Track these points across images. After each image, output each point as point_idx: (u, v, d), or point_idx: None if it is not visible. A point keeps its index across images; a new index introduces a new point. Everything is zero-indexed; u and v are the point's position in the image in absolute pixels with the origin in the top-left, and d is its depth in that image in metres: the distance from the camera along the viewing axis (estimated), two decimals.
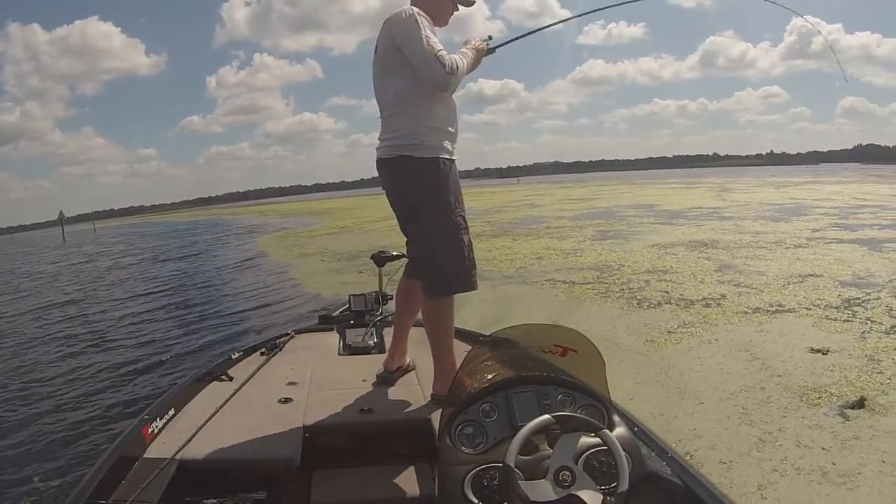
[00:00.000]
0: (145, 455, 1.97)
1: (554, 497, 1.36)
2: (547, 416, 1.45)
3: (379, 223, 20.29)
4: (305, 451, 2.07)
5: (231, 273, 12.47)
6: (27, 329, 8.62)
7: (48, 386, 5.28)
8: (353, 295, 3.58)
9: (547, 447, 1.46)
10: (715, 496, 1.59)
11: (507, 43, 2.77)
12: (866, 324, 5.23)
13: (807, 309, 5.85)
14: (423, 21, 2.35)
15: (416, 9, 2.40)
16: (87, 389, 5.08)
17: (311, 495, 2.03)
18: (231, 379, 2.69)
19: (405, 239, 2.72)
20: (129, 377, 5.38)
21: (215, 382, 2.67)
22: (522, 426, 1.44)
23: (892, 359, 4.32)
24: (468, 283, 2.47)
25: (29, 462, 3.69)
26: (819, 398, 3.76)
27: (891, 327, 5.09)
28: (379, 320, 3.43)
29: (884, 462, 2.99)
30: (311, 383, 2.65)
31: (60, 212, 45.47)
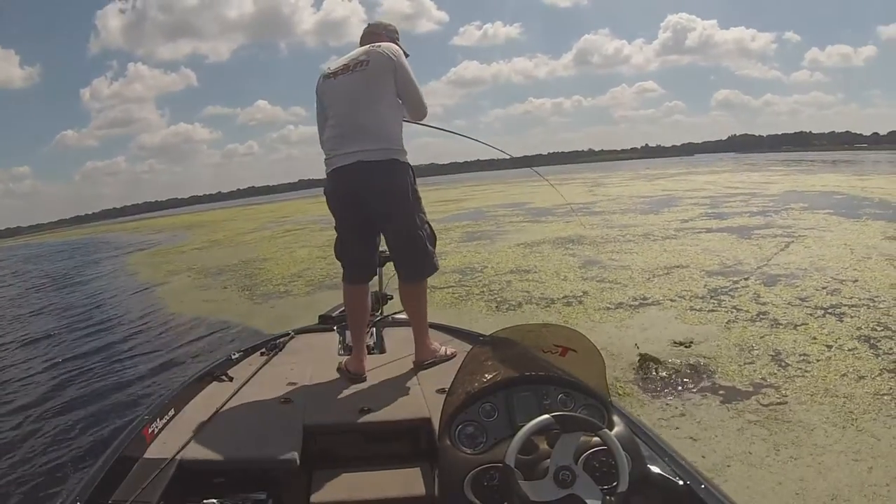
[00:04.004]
0: (145, 455, 2.09)
1: (554, 497, 1.45)
2: (547, 416, 1.52)
3: (249, 235, 21.69)
4: (305, 451, 2.17)
5: (91, 299, 11.82)
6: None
7: (47, 386, 5.40)
8: None
9: (547, 447, 1.55)
10: (715, 496, 1.65)
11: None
12: (732, 312, 5.51)
13: (671, 301, 6.10)
14: None
15: None
16: (87, 390, 5.23)
17: (311, 495, 2.11)
18: (231, 379, 2.84)
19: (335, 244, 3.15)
20: (128, 378, 5.48)
21: (215, 382, 2.82)
22: (522, 426, 1.52)
23: (761, 347, 4.56)
24: (437, 263, 3.07)
25: (29, 462, 3.83)
26: (681, 389, 3.94)
27: (757, 314, 5.38)
28: (379, 320, 3.67)
29: (750, 454, 3.11)
30: (311, 384, 2.80)
31: None
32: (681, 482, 1.73)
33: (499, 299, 6.94)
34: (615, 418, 1.73)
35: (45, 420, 4.71)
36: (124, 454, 2.02)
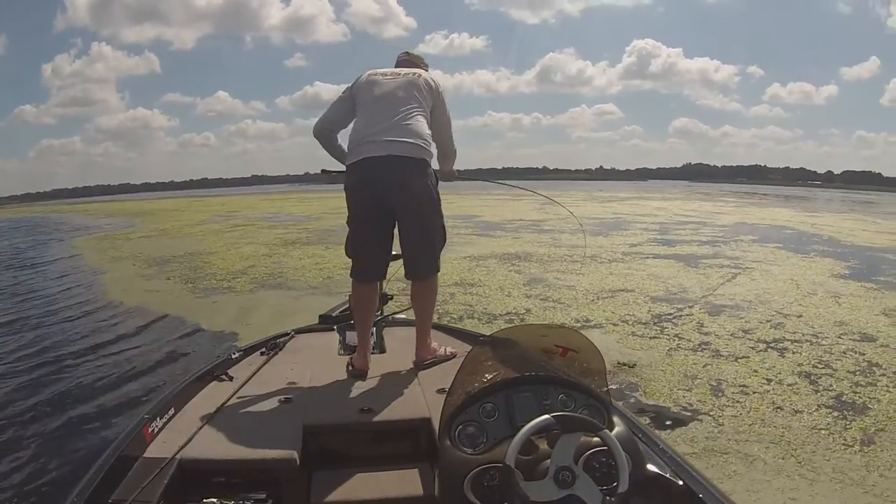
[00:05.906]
0: (145, 455, 2.13)
1: (554, 497, 1.51)
2: (547, 417, 1.58)
3: (197, 227, 21.59)
4: (305, 451, 2.23)
5: (33, 280, 11.67)
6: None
7: (46, 386, 5.36)
8: None
9: (547, 447, 1.60)
10: (715, 496, 1.72)
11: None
12: (674, 340, 5.59)
13: (614, 325, 6.17)
14: None
15: None
16: (87, 389, 5.22)
17: (311, 495, 2.17)
18: (231, 379, 2.90)
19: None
20: (128, 377, 5.48)
21: (215, 382, 2.87)
22: (523, 426, 1.58)
23: (704, 375, 4.63)
24: (439, 264, 3.20)
25: (28, 462, 3.85)
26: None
27: (700, 344, 5.46)
28: (379, 320, 3.66)
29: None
30: (311, 383, 2.87)
31: None
32: (681, 482, 1.79)
33: (440, 311, 6.83)
34: (615, 419, 1.78)
35: (41, 419, 4.66)
36: (124, 453, 2.07)
